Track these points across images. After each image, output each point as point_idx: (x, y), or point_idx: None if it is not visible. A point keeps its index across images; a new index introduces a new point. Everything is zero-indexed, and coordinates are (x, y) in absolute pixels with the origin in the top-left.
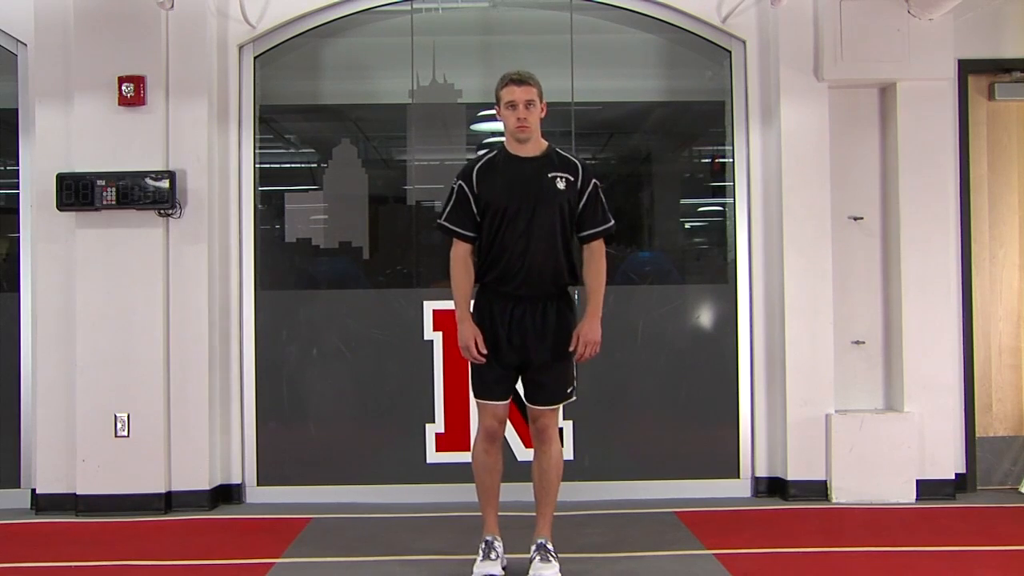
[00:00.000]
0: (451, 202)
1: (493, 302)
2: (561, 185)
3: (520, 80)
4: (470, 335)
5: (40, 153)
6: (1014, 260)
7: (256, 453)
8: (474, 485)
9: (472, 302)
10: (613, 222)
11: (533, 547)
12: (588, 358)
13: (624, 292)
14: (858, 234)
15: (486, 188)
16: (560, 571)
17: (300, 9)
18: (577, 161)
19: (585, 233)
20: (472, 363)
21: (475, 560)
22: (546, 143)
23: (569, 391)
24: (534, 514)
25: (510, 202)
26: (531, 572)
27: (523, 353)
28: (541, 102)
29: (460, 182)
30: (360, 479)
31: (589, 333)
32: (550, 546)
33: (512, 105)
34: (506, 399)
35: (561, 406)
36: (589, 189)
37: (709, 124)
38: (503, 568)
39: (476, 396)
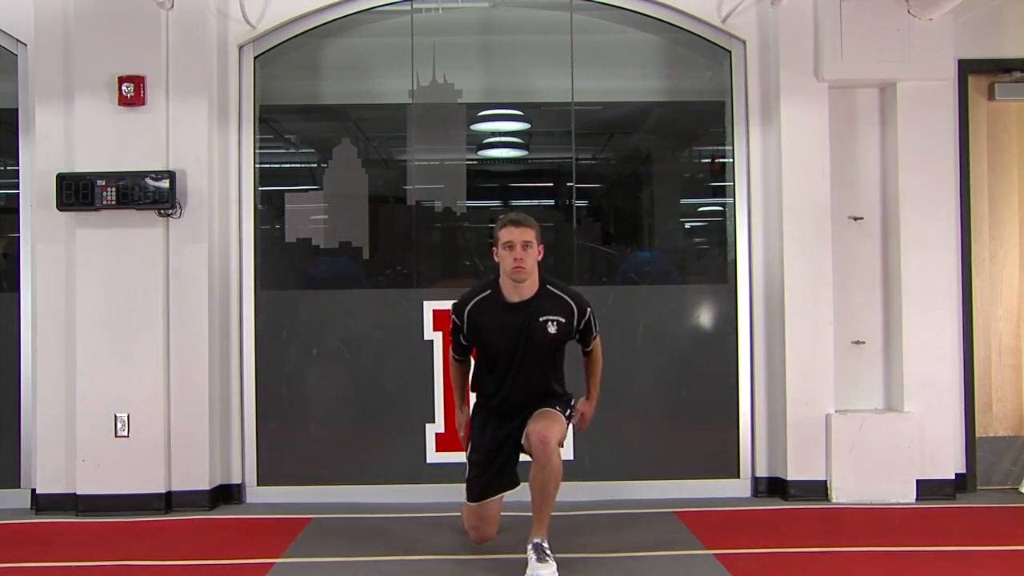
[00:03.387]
0: (451, 331)
1: (487, 419)
2: (552, 329)
3: (518, 222)
4: (461, 422)
5: (40, 153)
6: (1014, 260)
7: (256, 453)
8: None
9: (470, 408)
10: (599, 331)
11: (529, 546)
12: (580, 429)
13: (624, 292)
14: (858, 234)
15: (476, 331)
16: (556, 571)
17: (300, 9)
18: (570, 299)
19: (586, 349)
20: (467, 470)
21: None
22: (540, 281)
23: (557, 408)
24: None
25: (499, 345)
26: (528, 572)
27: (516, 427)
28: (539, 244)
29: (454, 318)
30: (360, 479)
31: (588, 410)
32: (546, 545)
33: (509, 246)
34: (491, 497)
35: (563, 421)
36: (584, 320)
37: (709, 124)
38: None
39: (468, 499)
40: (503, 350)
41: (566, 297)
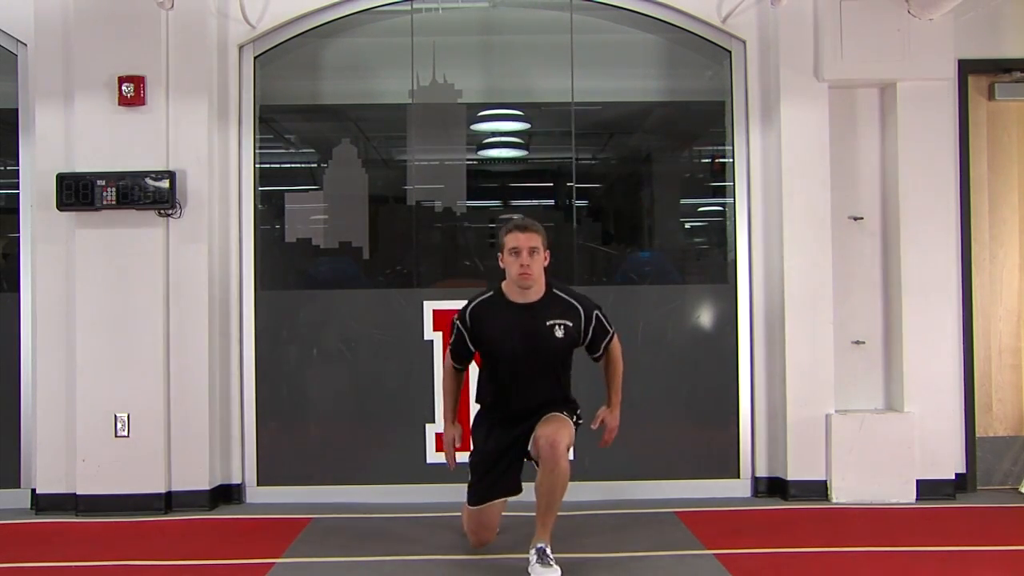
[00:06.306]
0: (452, 338)
1: (492, 426)
2: (559, 333)
3: (524, 227)
4: (450, 437)
5: (40, 153)
6: (1014, 260)
7: (256, 453)
8: None
9: (472, 418)
10: (613, 330)
11: (532, 550)
12: (608, 442)
13: (624, 292)
14: (858, 234)
15: (480, 333)
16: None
17: (300, 9)
18: (577, 303)
19: (596, 355)
20: (469, 474)
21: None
22: (546, 286)
23: (565, 412)
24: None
25: (504, 348)
26: None
27: (521, 433)
28: (545, 250)
29: (457, 322)
30: (360, 479)
31: (612, 421)
32: (549, 551)
33: (516, 252)
34: (493, 500)
35: (571, 426)
36: (593, 325)
37: (709, 124)
38: None
39: (469, 503)
40: (508, 354)
41: (573, 301)
